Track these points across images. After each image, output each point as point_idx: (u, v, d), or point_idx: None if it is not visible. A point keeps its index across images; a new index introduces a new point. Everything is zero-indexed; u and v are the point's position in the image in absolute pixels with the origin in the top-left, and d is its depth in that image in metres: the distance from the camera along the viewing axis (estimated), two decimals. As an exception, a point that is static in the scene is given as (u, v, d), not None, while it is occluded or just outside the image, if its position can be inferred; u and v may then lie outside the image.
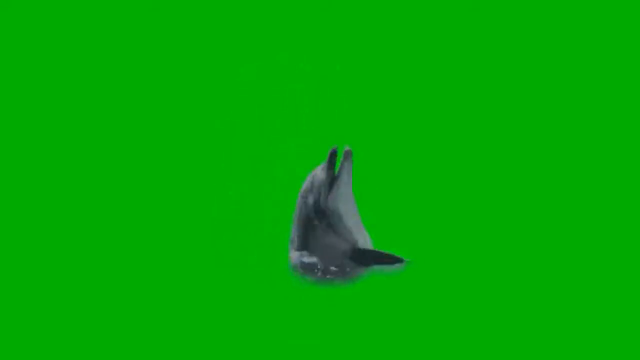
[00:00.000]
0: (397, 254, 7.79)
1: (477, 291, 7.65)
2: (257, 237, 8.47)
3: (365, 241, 7.81)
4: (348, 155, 7.71)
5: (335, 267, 7.73)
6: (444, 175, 9.52)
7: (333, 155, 7.73)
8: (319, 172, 7.77)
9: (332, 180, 7.70)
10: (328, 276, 7.71)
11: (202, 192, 9.29)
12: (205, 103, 10.67)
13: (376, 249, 7.82)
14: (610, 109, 10.50)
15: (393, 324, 7.25)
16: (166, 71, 11.01)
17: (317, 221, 7.70)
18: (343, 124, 10.23)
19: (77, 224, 8.71)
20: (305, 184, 7.83)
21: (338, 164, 7.72)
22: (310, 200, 7.74)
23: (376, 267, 7.78)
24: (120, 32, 11.26)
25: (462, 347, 6.99)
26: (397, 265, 7.78)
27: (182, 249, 8.29)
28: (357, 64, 11.06)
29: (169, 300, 7.53)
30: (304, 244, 7.76)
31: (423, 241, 8.34)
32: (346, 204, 7.73)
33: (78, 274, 7.93)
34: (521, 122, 10.33)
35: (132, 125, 10.32)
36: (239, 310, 7.41)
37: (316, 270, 7.71)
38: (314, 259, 7.74)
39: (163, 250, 8.28)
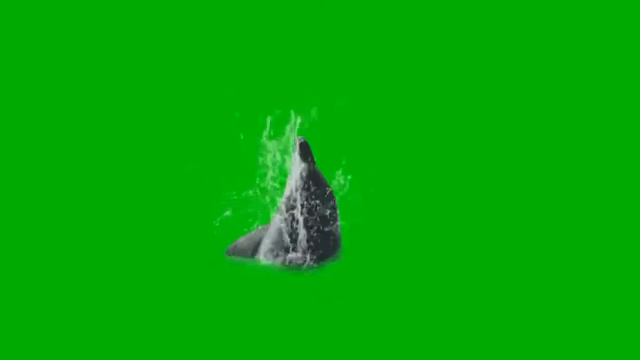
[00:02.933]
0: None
1: (470, 288, 7.65)
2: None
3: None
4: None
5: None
6: (439, 174, 9.51)
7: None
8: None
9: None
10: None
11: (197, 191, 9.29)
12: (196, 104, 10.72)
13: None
14: (609, 109, 10.50)
15: (382, 320, 7.27)
16: (159, 73, 11.08)
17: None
18: (339, 124, 10.25)
19: (71, 223, 8.73)
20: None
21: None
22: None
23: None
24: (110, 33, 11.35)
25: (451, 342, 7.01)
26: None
27: (171, 246, 8.29)
28: (350, 65, 11.11)
29: (155, 296, 7.56)
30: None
31: (418, 239, 8.35)
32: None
33: (66, 272, 7.95)
34: (514, 122, 10.33)
35: (121, 125, 10.36)
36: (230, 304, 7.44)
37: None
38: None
39: (151, 247, 8.28)
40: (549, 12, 11.51)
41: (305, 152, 7.77)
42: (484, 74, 11.07)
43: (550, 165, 9.55)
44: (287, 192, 7.85)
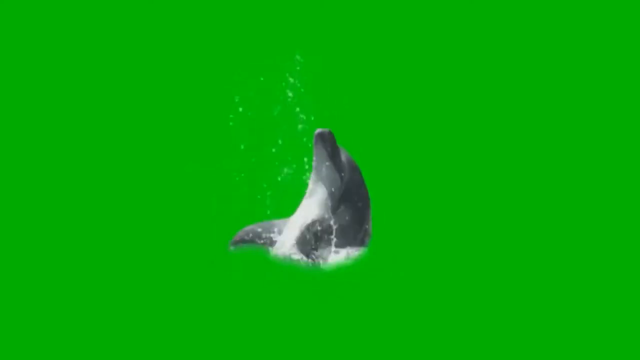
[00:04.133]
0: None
1: (471, 289, 7.66)
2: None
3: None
4: (326, 137, 7.71)
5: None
6: (439, 174, 9.52)
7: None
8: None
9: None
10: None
11: (199, 191, 9.29)
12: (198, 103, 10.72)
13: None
14: (610, 109, 10.51)
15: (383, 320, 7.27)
16: (160, 72, 11.08)
17: None
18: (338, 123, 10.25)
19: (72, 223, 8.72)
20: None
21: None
22: None
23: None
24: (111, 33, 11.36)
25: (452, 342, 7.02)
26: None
27: (175, 244, 8.29)
28: (349, 65, 11.12)
29: (159, 296, 7.55)
30: None
31: (419, 239, 8.35)
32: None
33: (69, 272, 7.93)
34: (514, 123, 10.35)
35: (124, 125, 10.35)
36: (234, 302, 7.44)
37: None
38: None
39: (155, 247, 8.28)
40: (549, 12, 11.51)
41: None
42: (488, 73, 11.08)
43: (552, 164, 9.58)
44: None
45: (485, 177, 9.41)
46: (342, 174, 7.77)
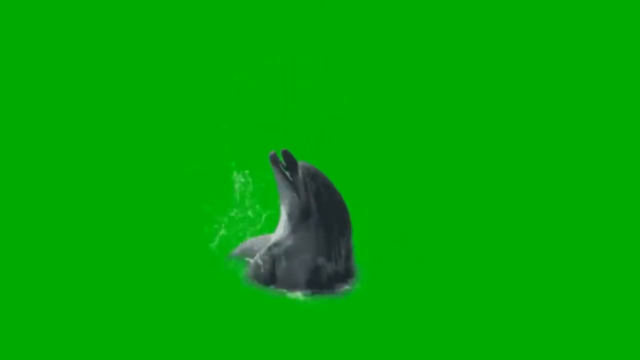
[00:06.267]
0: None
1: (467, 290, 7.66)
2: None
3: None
4: (272, 160, 7.61)
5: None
6: (434, 173, 9.51)
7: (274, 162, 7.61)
8: None
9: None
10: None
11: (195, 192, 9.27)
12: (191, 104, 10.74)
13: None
14: (609, 109, 10.50)
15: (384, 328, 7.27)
16: (157, 72, 11.10)
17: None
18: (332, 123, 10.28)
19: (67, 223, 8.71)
20: None
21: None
22: None
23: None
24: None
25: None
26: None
27: (169, 253, 8.28)
28: (343, 65, 11.14)
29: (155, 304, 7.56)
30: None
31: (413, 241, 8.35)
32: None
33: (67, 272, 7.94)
34: (514, 123, 10.34)
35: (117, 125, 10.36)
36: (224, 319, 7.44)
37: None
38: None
39: (150, 252, 8.27)
40: (549, 12, 11.52)
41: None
42: (484, 75, 11.09)
43: (551, 165, 9.57)
44: None
45: (482, 181, 9.40)
46: (302, 192, 7.69)
